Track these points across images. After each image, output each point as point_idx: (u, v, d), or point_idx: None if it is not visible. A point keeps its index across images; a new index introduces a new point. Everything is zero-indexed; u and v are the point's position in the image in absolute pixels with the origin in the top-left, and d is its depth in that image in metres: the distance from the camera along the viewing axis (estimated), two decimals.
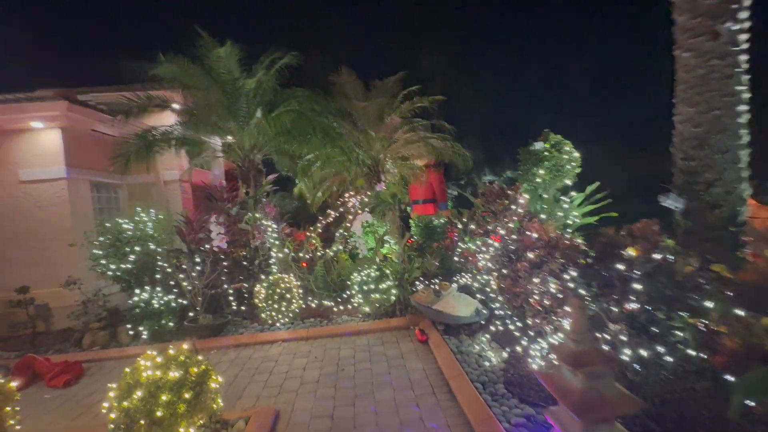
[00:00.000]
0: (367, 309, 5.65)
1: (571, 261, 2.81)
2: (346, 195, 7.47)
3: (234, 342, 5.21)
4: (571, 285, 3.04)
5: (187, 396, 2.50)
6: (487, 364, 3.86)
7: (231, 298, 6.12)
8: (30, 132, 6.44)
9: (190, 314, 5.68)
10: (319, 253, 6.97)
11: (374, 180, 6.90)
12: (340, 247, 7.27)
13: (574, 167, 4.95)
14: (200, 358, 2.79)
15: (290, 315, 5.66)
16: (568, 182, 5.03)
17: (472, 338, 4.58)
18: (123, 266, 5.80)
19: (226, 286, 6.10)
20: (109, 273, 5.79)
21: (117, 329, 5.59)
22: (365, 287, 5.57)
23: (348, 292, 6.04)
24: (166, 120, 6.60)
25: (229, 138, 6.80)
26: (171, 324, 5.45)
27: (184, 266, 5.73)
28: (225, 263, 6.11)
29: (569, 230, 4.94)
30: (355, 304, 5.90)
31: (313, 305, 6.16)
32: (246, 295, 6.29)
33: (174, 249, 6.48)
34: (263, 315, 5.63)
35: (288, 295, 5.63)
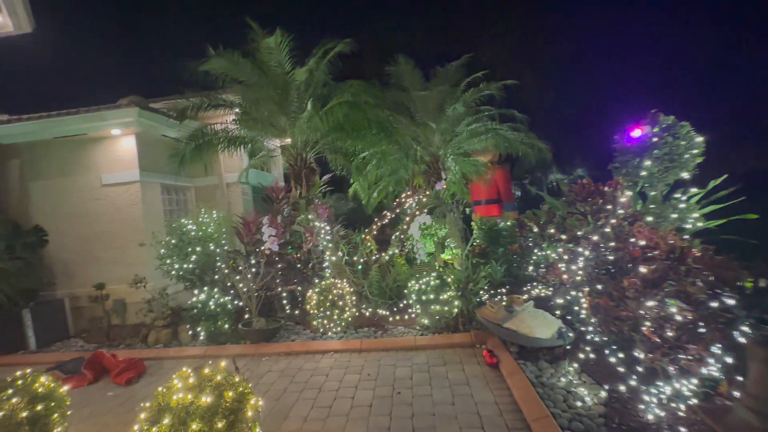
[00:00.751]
0: (425, 321, 5.07)
1: (727, 283, 1.98)
2: (403, 195, 6.97)
3: (285, 349, 4.97)
4: (715, 317, 2.18)
5: (219, 425, 2.17)
6: (579, 404, 3.07)
7: (285, 301, 5.96)
8: (110, 138, 6.93)
9: (246, 317, 5.60)
10: (374, 257, 6.55)
11: (433, 178, 6.29)
12: (396, 251, 6.77)
13: (694, 156, 3.83)
14: (238, 379, 2.46)
15: (342, 324, 5.30)
16: (686, 175, 3.93)
17: (554, 366, 3.77)
18: (185, 266, 5.93)
19: (280, 289, 5.95)
20: (173, 272, 5.96)
21: (179, 328, 5.70)
22: (424, 297, 5.00)
23: (404, 301, 5.52)
24: (224, 121, 6.68)
25: (287, 140, 6.69)
26: (226, 326, 5.40)
27: (240, 267, 5.68)
28: (279, 265, 5.97)
29: (685, 236, 3.87)
30: (413, 315, 5.36)
31: (367, 313, 5.74)
32: (299, 299, 6.09)
33: (233, 250, 6.52)
34: (315, 323, 5.34)
35: (341, 302, 5.28)
